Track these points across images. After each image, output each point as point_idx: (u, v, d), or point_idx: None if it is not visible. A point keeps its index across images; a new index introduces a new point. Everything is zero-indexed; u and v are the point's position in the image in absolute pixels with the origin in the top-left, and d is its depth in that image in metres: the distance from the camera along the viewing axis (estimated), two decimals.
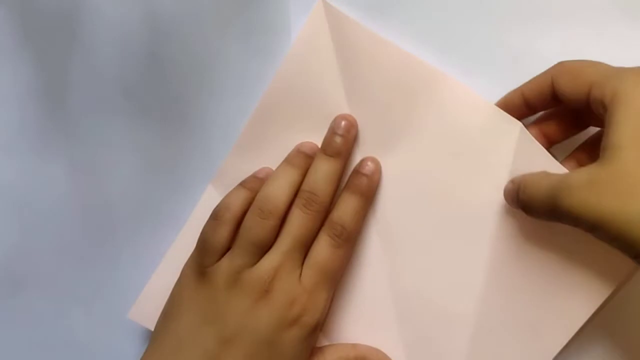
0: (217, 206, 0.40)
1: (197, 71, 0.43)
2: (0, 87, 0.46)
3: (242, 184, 0.41)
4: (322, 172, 0.39)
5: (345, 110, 0.41)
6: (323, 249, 0.39)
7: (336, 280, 0.40)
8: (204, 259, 0.39)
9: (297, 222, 0.38)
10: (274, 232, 0.39)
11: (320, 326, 0.39)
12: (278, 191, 0.39)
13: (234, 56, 0.43)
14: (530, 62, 0.39)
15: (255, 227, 0.38)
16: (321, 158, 0.39)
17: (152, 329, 0.44)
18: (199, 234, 0.41)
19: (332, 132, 0.40)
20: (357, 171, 0.40)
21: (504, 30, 0.39)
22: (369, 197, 0.40)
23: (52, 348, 0.48)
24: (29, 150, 0.46)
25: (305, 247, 0.39)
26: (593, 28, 0.38)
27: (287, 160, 0.40)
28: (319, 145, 0.40)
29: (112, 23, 0.44)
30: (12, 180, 0.47)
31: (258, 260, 0.38)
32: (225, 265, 0.38)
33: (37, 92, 0.46)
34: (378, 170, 0.40)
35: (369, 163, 0.40)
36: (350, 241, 0.39)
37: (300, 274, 0.38)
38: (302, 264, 0.39)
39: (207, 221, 0.40)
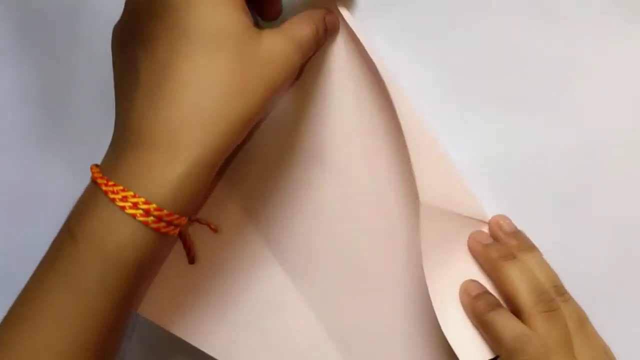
0: None
1: None
2: (0, 87, 0.46)
3: None
4: None
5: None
6: None
7: None
8: None
9: None
10: None
11: None
12: None
13: None
14: (530, 62, 0.39)
15: None
16: None
17: (158, 323, 0.45)
18: (201, 228, 0.42)
19: None
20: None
21: (504, 30, 0.39)
22: None
23: None
24: (29, 150, 0.47)
25: None
26: (593, 28, 0.38)
27: None
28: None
29: (112, 23, 0.44)
30: (13, 180, 0.47)
31: None
32: None
33: (37, 92, 0.46)
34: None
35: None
36: None
37: None
38: None
39: None
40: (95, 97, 0.45)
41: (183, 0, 0.32)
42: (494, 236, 0.40)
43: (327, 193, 0.42)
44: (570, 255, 0.39)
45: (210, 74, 0.32)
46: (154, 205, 0.31)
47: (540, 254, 0.39)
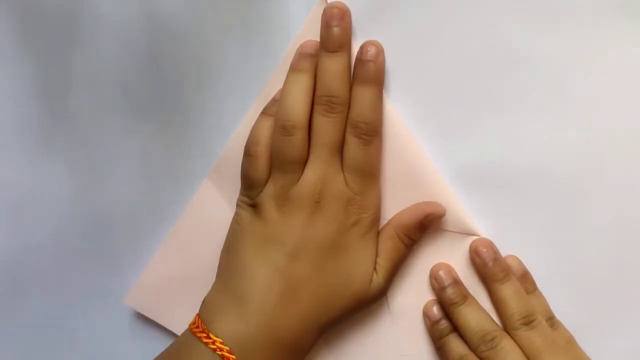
0: (247, 142, 0.40)
1: (196, 71, 0.43)
2: (0, 87, 0.46)
3: (264, 112, 0.41)
4: (332, 71, 0.38)
5: None
6: (355, 150, 0.38)
7: (379, 172, 0.40)
8: (250, 192, 0.40)
9: (325, 129, 0.38)
10: (304, 144, 0.39)
11: (378, 220, 0.40)
12: (294, 103, 0.38)
13: (233, 56, 0.43)
14: (530, 62, 0.39)
15: (284, 146, 0.38)
16: (325, 56, 0.39)
17: (147, 315, 0.45)
18: (195, 225, 0.43)
19: (326, 25, 0.39)
20: (360, 60, 0.39)
21: (504, 30, 0.39)
22: (379, 82, 0.39)
23: (52, 348, 0.48)
24: (29, 150, 0.47)
25: (339, 150, 0.39)
26: (593, 28, 0.38)
27: (293, 68, 0.40)
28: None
29: (112, 23, 0.44)
30: (13, 180, 0.47)
31: (299, 175, 0.39)
32: (271, 189, 0.39)
33: (37, 92, 0.46)
34: (381, 51, 0.39)
35: (370, 47, 0.39)
36: (377, 133, 0.39)
37: (344, 178, 0.39)
38: (342, 167, 0.39)
39: (243, 159, 0.40)
40: (95, 97, 0.45)
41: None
42: (472, 261, 0.40)
43: None
44: (569, 256, 0.39)
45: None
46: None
47: (514, 283, 0.39)
